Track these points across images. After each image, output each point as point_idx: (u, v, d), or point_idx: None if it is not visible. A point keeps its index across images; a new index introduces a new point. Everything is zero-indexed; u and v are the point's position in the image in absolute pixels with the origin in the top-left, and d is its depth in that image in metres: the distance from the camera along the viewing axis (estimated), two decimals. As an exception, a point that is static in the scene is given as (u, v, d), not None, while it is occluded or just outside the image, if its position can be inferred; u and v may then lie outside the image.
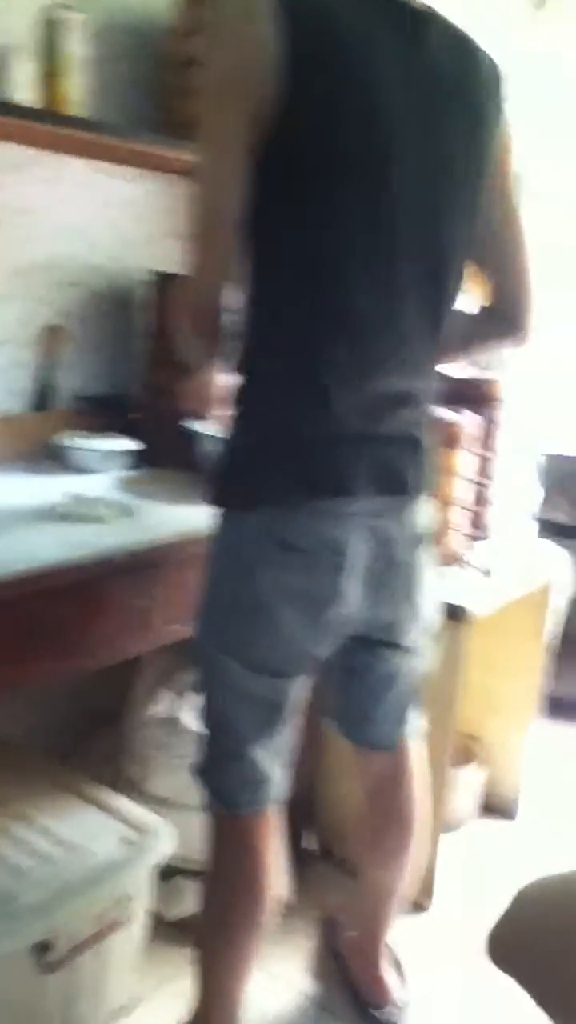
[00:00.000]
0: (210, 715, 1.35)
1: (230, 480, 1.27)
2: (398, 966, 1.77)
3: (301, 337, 1.19)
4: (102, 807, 1.67)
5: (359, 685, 1.46)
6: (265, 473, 1.22)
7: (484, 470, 2.11)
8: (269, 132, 1.10)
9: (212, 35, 1.13)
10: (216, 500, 1.29)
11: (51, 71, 1.66)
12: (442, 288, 1.26)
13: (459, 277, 1.29)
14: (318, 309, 1.18)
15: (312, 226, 1.14)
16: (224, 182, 1.14)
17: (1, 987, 1.41)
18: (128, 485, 1.81)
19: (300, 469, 1.21)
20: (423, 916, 2.01)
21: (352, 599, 1.28)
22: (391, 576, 1.32)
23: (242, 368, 1.26)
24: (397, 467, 1.27)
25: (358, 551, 1.25)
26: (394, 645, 1.41)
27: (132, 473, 1.92)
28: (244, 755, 1.32)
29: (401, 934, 1.80)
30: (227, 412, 1.31)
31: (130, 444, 1.94)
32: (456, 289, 1.30)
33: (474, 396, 2.07)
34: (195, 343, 1.29)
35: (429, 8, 1.19)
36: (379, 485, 1.25)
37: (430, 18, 1.19)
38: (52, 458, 1.93)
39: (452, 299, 1.30)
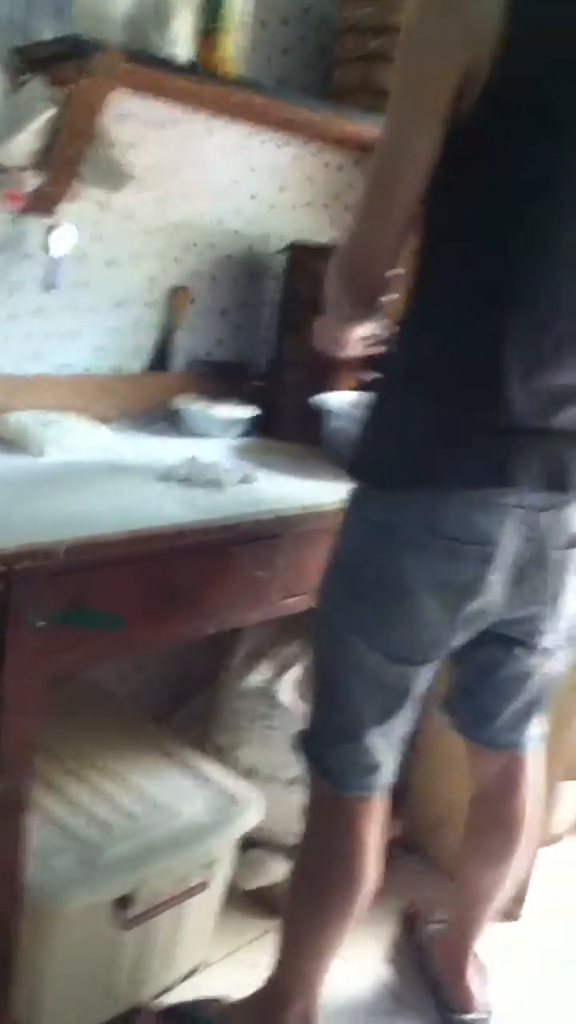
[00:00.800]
0: (327, 693, 1.33)
1: (379, 456, 1.23)
2: (483, 972, 1.73)
3: (483, 317, 1.13)
4: (192, 771, 1.68)
5: (489, 683, 1.42)
6: (423, 454, 1.18)
7: None
8: (475, 101, 1.04)
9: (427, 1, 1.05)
10: (361, 475, 1.25)
11: (213, 28, 1.64)
12: None
13: None
14: (506, 286, 1.11)
15: (517, 199, 1.08)
16: (413, 152, 1.08)
17: (79, 937, 1.43)
18: (246, 453, 1.80)
19: (463, 454, 1.16)
20: (512, 925, 1.97)
21: (496, 593, 1.24)
22: (539, 574, 1.26)
23: (405, 341, 1.22)
24: (564, 463, 1.22)
25: (509, 544, 1.21)
26: (531, 645, 1.36)
27: (250, 441, 1.91)
28: (360, 738, 1.30)
29: (489, 942, 1.76)
30: (375, 384, 1.28)
31: (250, 412, 1.93)
32: None
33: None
34: (348, 311, 1.26)
35: None
36: (541, 480, 1.20)
37: None
38: (168, 420, 1.94)
39: None
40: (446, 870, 2.00)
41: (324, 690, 1.34)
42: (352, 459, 1.27)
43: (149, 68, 1.50)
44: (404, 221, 1.13)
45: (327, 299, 1.31)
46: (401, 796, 2.06)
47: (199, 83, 1.59)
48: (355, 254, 1.18)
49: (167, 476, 1.52)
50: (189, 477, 1.52)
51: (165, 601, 1.35)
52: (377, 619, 1.24)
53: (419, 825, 2.12)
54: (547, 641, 1.37)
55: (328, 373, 1.93)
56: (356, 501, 1.27)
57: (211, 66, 1.63)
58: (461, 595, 1.21)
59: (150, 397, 1.93)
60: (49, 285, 1.70)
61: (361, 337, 1.40)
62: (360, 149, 2.09)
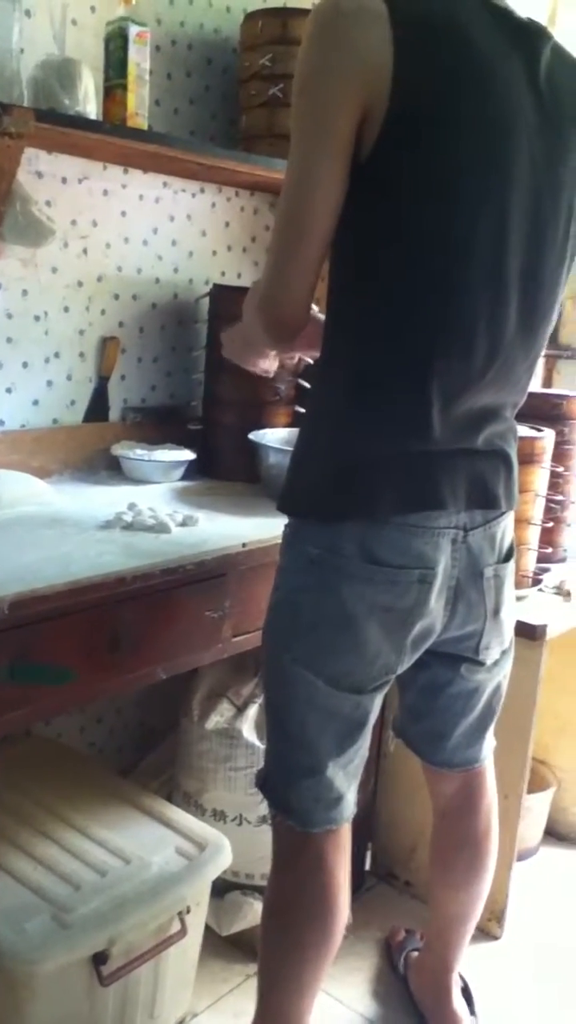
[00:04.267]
0: (284, 730, 1.31)
1: (310, 489, 1.23)
2: (468, 996, 1.71)
3: (404, 347, 1.15)
4: (159, 819, 1.66)
5: (439, 703, 1.42)
6: (353, 484, 1.18)
7: (560, 489, 2.06)
8: (376, 136, 1.06)
9: (318, 37, 1.07)
10: (293, 510, 1.26)
11: (116, 84, 1.67)
12: (541, 308, 1.22)
13: (556, 299, 1.25)
14: (427, 318, 1.13)
15: (428, 230, 1.10)
16: (319, 186, 1.08)
17: (58, 998, 1.40)
18: (188, 496, 1.81)
19: (392, 481, 1.17)
20: (494, 945, 1.96)
21: (437, 613, 1.26)
22: (477, 591, 1.29)
23: (326, 374, 1.24)
24: (488, 481, 1.25)
25: (446, 566, 1.23)
26: (477, 662, 1.38)
27: (191, 484, 1.93)
28: (321, 772, 1.28)
29: (471, 963, 1.75)
30: (303, 419, 1.29)
31: (188, 455, 1.94)
32: (553, 311, 1.25)
33: (550, 412, 2.03)
34: (266, 343, 1.28)
35: (542, 27, 1.16)
36: (470, 499, 1.22)
37: (545, 37, 1.15)
38: (109, 468, 1.95)
39: (550, 319, 1.25)
40: (422, 896, 2.00)
41: (279, 728, 1.32)
42: (283, 494, 1.27)
43: (59, 126, 1.52)
44: (317, 256, 1.14)
45: (244, 328, 1.33)
46: (370, 826, 2.07)
47: (108, 138, 1.61)
48: (271, 292, 1.17)
49: (108, 524, 1.52)
50: (131, 524, 1.52)
51: (113, 649, 1.34)
52: (325, 653, 1.23)
53: (390, 853, 2.12)
54: (493, 655, 1.38)
55: (263, 411, 1.96)
56: (291, 536, 1.27)
57: (119, 120, 1.66)
58: (405, 620, 1.22)
59: (89, 447, 1.94)
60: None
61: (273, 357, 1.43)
62: (273, 192, 2.14)
